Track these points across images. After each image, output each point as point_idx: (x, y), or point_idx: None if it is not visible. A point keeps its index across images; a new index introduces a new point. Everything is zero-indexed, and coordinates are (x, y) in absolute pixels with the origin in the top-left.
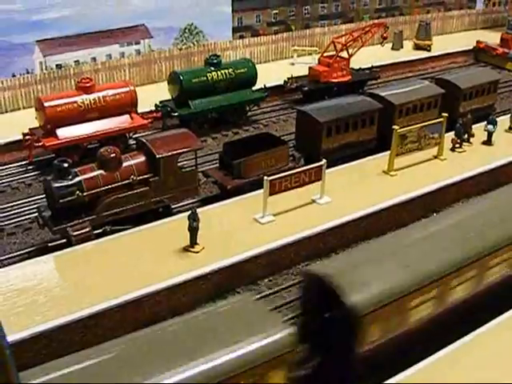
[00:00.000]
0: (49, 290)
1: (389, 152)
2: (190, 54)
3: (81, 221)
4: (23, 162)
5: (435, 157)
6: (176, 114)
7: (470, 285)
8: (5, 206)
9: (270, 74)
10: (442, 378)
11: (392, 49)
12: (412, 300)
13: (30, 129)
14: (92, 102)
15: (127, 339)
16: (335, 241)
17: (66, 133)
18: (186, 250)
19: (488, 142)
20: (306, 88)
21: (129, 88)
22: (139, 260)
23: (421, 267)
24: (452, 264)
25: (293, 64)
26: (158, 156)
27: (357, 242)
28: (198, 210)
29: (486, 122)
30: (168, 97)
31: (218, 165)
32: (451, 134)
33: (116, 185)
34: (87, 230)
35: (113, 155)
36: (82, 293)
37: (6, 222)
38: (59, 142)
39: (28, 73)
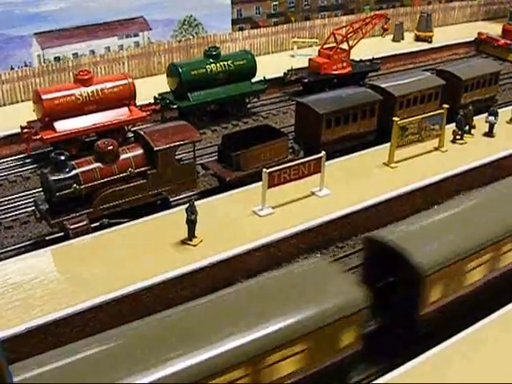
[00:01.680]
0: (46, 284)
1: (389, 144)
2: (189, 46)
3: (78, 214)
4: (21, 155)
5: (436, 148)
6: (175, 106)
7: None
8: (2, 199)
9: (270, 66)
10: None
11: (393, 40)
12: (469, 263)
13: (27, 122)
14: (90, 94)
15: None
16: (335, 233)
17: (63, 126)
18: (184, 243)
19: (489, 133)
20: (306, 80)
21: (127, 80)
22: (137, 253)
23: (478, 232)
24: (506, 229)
25: (293, 56)
26: (155, 148)
27: (356, 234)
28: (197, 203)
29: (487, 114)
30: (167, 89)
31: (216, 157)
32: (452, 126)
33: (113, 178)
34: (84, 223)
35: (110, 148)
36: (80, 286)
37: (3, 216)
38: (57, 134)
39: (26, 66)
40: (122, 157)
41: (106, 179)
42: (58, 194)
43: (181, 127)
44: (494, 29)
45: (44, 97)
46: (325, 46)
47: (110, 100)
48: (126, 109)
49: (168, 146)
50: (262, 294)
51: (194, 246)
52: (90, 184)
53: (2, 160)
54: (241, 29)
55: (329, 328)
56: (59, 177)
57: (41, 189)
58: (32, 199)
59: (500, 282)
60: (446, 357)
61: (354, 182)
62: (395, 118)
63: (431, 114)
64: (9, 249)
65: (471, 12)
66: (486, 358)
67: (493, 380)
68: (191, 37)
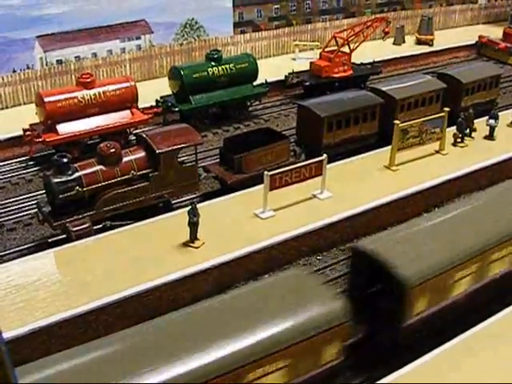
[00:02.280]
0: (49, 286)
1: (390, 147)
2: (190, 49)
3: (80, 216)
4: (24, 158)
5: (437, 151)
6: (177, 109)
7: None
8: (5, 201)
9: (272, 69)
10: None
11: (394, 43)
12: (455, 274)
13: (30, 124)
14: (92, 97)
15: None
16: (336, 236)
17: (66, 128)
18: (186, 245)
19: (490, 136)
20: (307, 83)
21: (129, 83)
22: (139, 255)
23: (464, 242)
24: (492, 239)
25: (294, 59)
26: (158, 151)
27: (358, 237)
28: (199, 205)
29: (487, 117)
30: (169, 92)
31: (218, 160)
32: (453, 129)
33: (116, 180)
34: (87, 225)
35: (112, 150)
36: (82, 288)
37: (6, 218)
38: (59, 137)
39: (28, 68)
40: (125, 159)
41: (108, 181)
42: (60, 196)
43: (183, 130)
44: (495, 32)
45: (46, 99)
46: (326, 49)
47: (112, 103)
48: (128, 111)
49: (170, 148)
50: (239, 307)
51: (196, 248)
52: (92, 186)
53: (5, 162)
54: (242, 32)
55: (309, 342)
56: (62, 179)
57: (43, 191)
58: (34, 201)
59: (485, 292)
60: (447, 358)
61: (355, 185)
62: (396, 121)
63: (432, 117)
64: (11, 251)
65: (472, 15)
66: (483, 362)
67: (493, 380)
68: (193, 40)
